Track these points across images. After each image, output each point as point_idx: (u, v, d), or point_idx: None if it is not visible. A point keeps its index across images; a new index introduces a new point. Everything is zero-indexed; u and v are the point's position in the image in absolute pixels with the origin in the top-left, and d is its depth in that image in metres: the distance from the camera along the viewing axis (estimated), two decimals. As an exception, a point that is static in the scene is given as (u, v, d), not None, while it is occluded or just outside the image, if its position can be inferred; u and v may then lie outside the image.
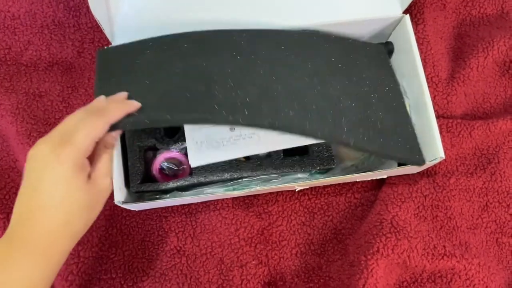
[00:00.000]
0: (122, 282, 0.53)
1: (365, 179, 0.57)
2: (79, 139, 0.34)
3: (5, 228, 0.53)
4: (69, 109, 0.58)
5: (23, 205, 0.34)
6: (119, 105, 0.39)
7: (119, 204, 0.48)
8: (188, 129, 0.50)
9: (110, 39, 0.53)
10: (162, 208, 0.56)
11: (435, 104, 0.58)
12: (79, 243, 0.53)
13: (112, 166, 0.39)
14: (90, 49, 0.61)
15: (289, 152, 0.53)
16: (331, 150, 0.52)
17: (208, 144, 0.50)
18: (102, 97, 0.40)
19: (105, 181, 0.37)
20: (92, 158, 0.37)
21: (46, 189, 0.33)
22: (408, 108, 0.54)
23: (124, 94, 0.41)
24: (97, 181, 0.36)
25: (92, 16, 0.60)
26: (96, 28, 0.61)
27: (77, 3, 0.61)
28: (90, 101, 0.58)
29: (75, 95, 0.59)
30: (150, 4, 0.54)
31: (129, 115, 0.39)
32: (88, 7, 0.60)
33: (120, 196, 0.48)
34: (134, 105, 0.39)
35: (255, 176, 0.52)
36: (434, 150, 0.51)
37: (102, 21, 0.50)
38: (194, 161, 0.49)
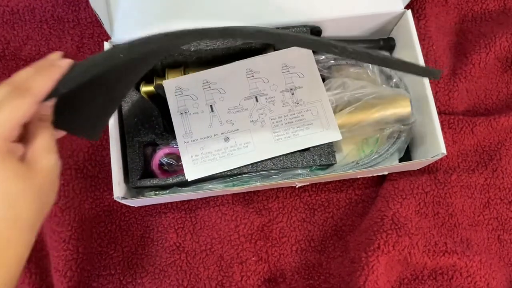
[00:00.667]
0: (121, 279, 0.53)
1: (366, 176, 0.56)
2: (3, 116, 0.29)
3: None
4: (68, 104, 0.58)
5: None
6: (47, 72, 0.32)
7: (118, 200, 0.48)
8: (182, 143, 0.50)
9: (109, 32, 0.52)
10: (161, 204, 0.56)
11: (436, 100, 0.58)
12: (77, 239, 0.53)
13: (54, 141, 0.33)
14: (89, 44, 0.60)
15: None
16: (332, 146, 0.52)
17: (203, 156, 0.50)
18: (29, 68, 0.33)
19: (46, 159, 0.31)
20: (27, 137, 0.32)
21: None
22: (410, 104, 0.54)
23: (56, 54, 0.34)
24: (36, 161, 0.31)
25: (92, 11, 0.60)
26: (95, 23, 0.60)
27: (77, -3, 0.61)
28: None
29: (74, 90, 0.58)
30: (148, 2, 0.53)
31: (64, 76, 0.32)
32: (87, 2, 0.60)
33: (119, 191, 0.48)
34: (64, 63, 0.33)
35: (255, 172, 0.52)
36: (436, 146, 0.51)
37: (102, 16, 0.50)
38: (191, 175, 0.50)
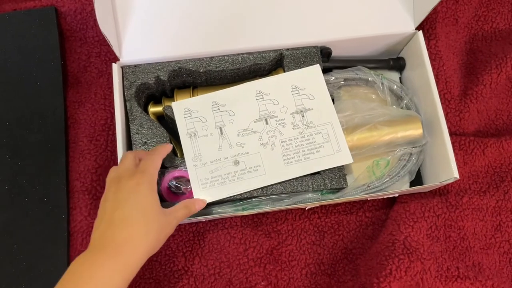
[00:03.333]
0: (129, 303, 0.52)
1: (376, 198, 0.56)
2: (151, 169, 0.43)
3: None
4: (76, 125, 0.57)
5: (105, 218, 0.39)
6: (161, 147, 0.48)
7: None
8: (191, 166, 0.50)
9: (117, 54, 0.52)
10: (169, 226, 0.55)
11: (447, 121, 0.57)
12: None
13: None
14: (96, 63, 0.60)
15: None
16: (343, 169, 0.51)
17: (213, 180, 0.49)
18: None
19: (182, 211, 0.44)
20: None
21: (128, 204, 0.39)
22: (421, 126, 0.53)
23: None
24: (171, 213, 0.43)
25: (99, 29, 0.59)
26: (103, 41, 0.60)
27: (84, 16, 0.60)
28: (97, 117, 0.57)
29: (81, 111, 0.58)
30: (157, 20, 0.53)
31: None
32: (95, 20, 0.59)
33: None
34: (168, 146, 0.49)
35: (265, 196, 0.51)
36: (448, 170, 0.50)
37: (110, 36, 0.49)
38: None
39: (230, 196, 0.50)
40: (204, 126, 0.51)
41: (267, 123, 0.52)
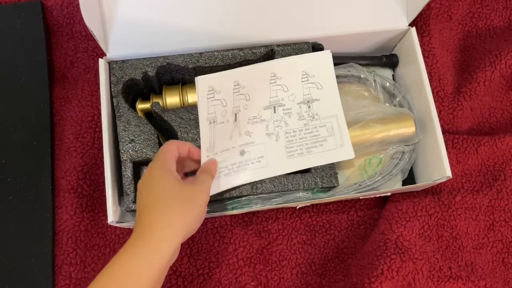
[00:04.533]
0: (116, 304, 0.51)
1: (368, 197, 0.55)
2: (161, 154, 0.42)
3: None
4: (62, 122, 0.56)
5: (142, 202, 0.39)
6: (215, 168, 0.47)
7: (113, 225, 0.46)
8: (205, 157, 0.47)
9: (104, 49, 0.51)
10: (157, 226, 0.54)
11: (440, 119, 0.56)
12: (70, 264, 0.51)
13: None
14: (83, 59, 0.58)
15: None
16: (334, 167, 0.50)
17: (219, 172, 0.47)
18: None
19: (200, 183, 0.43)
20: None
21: (144, 192, 0.40)
22: (414, 124, 0.53)
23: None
24: (194, 182, 0.42)
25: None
26: (90, 37, 0.58)
27: (71, 10, 0.59)
28: (83, 114, 0.56)
29: (68, 107, 0.57)
30: (144, 14, 0.52)
31: None
32: (82, 15, 0.58)
33: (113, 216, 0.46)
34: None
35: (255, 195, 0.50)
36: (441, 169, 0.49)
37: (95, 30, 0.48)
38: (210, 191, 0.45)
39: (230, 188, 0.48)
40: (223, 112, 0.49)
41: (274, 112, 0.50)
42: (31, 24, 0.57)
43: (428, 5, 0.56)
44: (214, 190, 0.46)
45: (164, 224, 0.37)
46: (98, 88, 0.56)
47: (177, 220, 0.38)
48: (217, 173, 0.46)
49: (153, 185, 0.40)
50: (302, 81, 0.51)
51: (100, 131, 0.55)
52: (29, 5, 0.58)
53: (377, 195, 0.54)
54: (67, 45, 0.59)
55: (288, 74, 0.51)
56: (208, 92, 0.49)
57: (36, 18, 0.58)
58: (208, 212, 0.49)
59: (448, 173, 0.49)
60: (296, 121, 0.50)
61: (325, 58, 0.52)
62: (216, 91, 0.49)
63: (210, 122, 0.48)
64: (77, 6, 0.58)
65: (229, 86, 0.49)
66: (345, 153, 0.49)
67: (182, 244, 0.52)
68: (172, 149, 0.43)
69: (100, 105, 0.55)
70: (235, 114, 0.49)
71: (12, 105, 0.55)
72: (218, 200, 0.50)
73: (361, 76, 0.55)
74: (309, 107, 0.50)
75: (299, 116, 0.50)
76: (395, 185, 0.55)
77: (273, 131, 0.49)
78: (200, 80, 0.49)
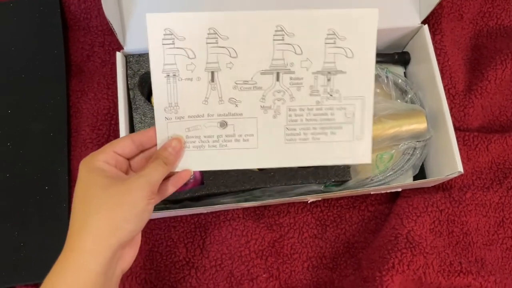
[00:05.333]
0: (129, 294, 0.52)
1: (379, 192, 0.55)
2: (95, 154, 0.36)
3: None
4: (78, 114, 0.57)
5: (72, 207, 0.35)
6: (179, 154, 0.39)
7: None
8: (162, 119, 0.38)
9: (121, 42, 0.51)
10: (170, 218, 0.55)
11: (451, 116, 0.56)
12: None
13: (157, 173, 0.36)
14: (100, 53, 0.59)
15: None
16: (347, 161, 0.51)
17: (187, 141, 0.38)
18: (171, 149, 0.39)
19: (139, 176, 0.35)
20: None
21: (80, 191, 0.35)
22: (425, 120, 0.53)
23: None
24: (131, 176, 0.36)
25: (103, 19, 0.59)
26: (106, 31, 0.59)
27: (88, 5, 0.60)
28: (99, 107, 0.57)
29: (84, 100, 0.58)
30: (162, 8, 0.53)
31: None
32: (99, 10, 0.59)
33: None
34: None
35: (268, 188, 0.50)
36: (453, 164, 0.50)
37: (115, 26, 0.49)
38: None
39: (208, 171, 0.42)
40: (190, 65, 0.38)
41: (277, 79, 0.38)
42: (49, 18, 0.59)
43: (440, 4, 0.57)
44: (181, 167, 0.39)
45: (86, 233, 0.33)
46: (114, 82, 0.57)
47: (102, 226, 0.33)
48: (180, 153, 0.38)
49: (78, 187, 0.35)
50: (325, 43, 0.38)
51: (116, 123, 0.56)
52: (48, 0, 0.59)
53: (388, 191, 0.55)
54: (84, 39, 0.60)
55: (304, 31, 0.38)
56: (164, 36, 0.37)
57: (54, 13, 0.59)
58: (221, 203, 0.50)
59: (460, 168, 0.49)
60: (307, 96, 0.39)
61: (367, 17, 0.38)
62: (177, 36, 0.37)
63: (168, 75, 0.38)
64: (94, 1, 0.60)
65: (199, 33, 0.37)
66: (361, 151, 0.40)
67: (195, 236, 0.54)
68: (112, 142, 0.37)
69: (115, 98, 0.57)
70: (212, 72, 0.38)
71: (30, 97, 0.56)
72: (231, 193, 0.51)
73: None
74: (328, 80, 0.39)
75: (311, 90, 0.39)
76: (406, 181, 0.55)
77: (271, 105, 0.39)
78: (151, 18, 0.37)
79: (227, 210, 0.55)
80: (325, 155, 0.40)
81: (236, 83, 0.38)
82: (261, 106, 0.39)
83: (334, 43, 0.38)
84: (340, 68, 0.39)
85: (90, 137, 0.56)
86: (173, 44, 0.37)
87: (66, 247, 0.33)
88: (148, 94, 0.54)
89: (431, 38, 0.55)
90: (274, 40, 0.38)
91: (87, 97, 0.58)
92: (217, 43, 0.37)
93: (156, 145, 0.38)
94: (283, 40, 0.38)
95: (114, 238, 0.33)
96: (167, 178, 0.38)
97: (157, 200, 0.38)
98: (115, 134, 0.56)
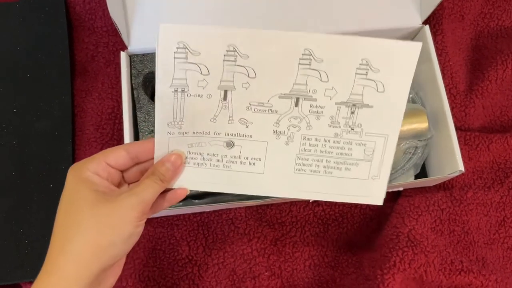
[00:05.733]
0: (132, 291, 0.52)
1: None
2: (86, 162, 0.34)
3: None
4: (83, 113, 0.58)
5: (56, 219, 0.33)
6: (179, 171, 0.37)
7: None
8: (163, 134, 0.36)
9: (126, 42, 0.52)
10: (173, 216, 0.55)
11: (452, 116, 0.57)
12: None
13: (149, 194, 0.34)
14: (104, 53, 0.60)
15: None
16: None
17: (188, 157, 0.36)
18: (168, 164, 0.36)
19: (131, 195, 0.33)
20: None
21: (65, 203, 0.33)
22: (426, 119, 0.53)
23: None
24: (122, 194, 0.33)
25: (108, 20, 0.60)
26: (111, 32, 0.60)
27: (93, 6, 0.60)
28: (103, 106, 0.58)
29: (88, 99, 0.58)
30: (166, 8, 0.53)
31: None
32: (103, 10, 0.60)
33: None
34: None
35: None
36: (454, 163, 0.50)
37: (120, 26, 0.50)
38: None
39: (195, 195, 0.41)
40: (202, 81, 0.35)
41: (296, 105, 0.36)
42: (55, 18, 0.59)
43: (441, 5, 0.58)
44: (179, 184, 0.37)
45: (66, 255, 0.30)
46: (118, 82, 0.58)
47: (85, 250, 0.30)
48: (179, 169, 0.36)
49: (63, 198, 0.32)
50: (356, 74, 0.35)
51: (119, 122, 0.57)
52: (53, 0, 0.60)
53: (390, 190, 0.55)
54: (88, 40, 0.60)
55: (335, 57, 0.35)
56: (177, 49, 0.34)
57: (59, 13, 0.59)
58: (224, 201, 0.51)
59: (461, 167, 0.49)
60: (325, 127, 0.37)
61: (409, 51, 0.35)
62: (191, 50, 0.34)
63: (176, 90, 0.35)
64: (99, 2, 0.61)
65: (218, 48, 0.34)
66: (375, 192, 0.38)
67: (197, 234, 0.54)
68: (105, 152, 0.34)
69: (119, 97, 0.57)
70: (225, 91, 0.35)
71: (35, 96, 0.57)
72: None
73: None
74: (352, 112, 0.36)
75: (331, 121, 0.36)
76: (408, 180, 0.56)
77: (285, 130, 0.37)
78: (165, 29, 0.33)
79: (230, 209, 0.55)
80: (335, 191, 0.38)
81: (250, 104, 0.36)
82: (274, 131, 0.37)
83: (366, 74, 0.35)
84: (367, 102, 0.36)
85: (94, 136, 0.56)
86: (186, 58, 0.34)
87: (45, 268, 0.31)
88: (151, 93, 0.55)
89: (432, 38, 0.55)
90: (299, 64, 0.35)
91: (92, 97, 0.58)
92: (235, 61, 0.35)
93: (153, 158, 0.36)
94: (309, 65, 0.35)
95: (97, 264, 0.31)
96: (162, 192, 0.36)
97: (149, 215, 0.36)
98: (119, 133, 0.56)
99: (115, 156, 0.34)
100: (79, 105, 0.58)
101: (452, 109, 0.59)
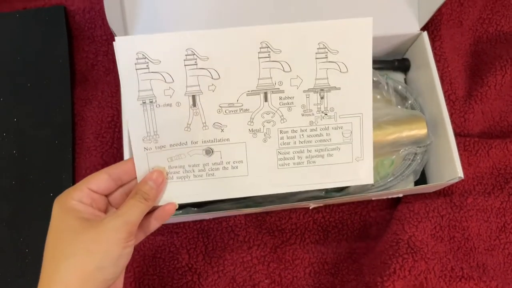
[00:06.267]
0: (132, 299, 0.52)
1: (380, 198, 0.56)
2: (70, 190, 0.35)
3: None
4: (83, 122, 0.58)
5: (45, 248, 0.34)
6: (161, 188, 0.37)
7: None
8: (140, 150, 0.35)
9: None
10: (173, 224, 0.55)
11: (452, 122, 0.57)
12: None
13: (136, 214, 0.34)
14: (104, 62, 0.60)
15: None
16: (347, 167, 0.51)
17: (170, 172, 0.36)
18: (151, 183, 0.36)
19: (115, 217, 0.33)
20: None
21: (52, 232, 0.34)
22: (426, 125, 0.53)
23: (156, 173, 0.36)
24: (106, 217, 0.33)
25: (107, 29, 0.60)
26: (110, 40, 0.60)
27: (93, 15, 0.61)
28: (103, 115, 0.58)
29: (88, 108, 0.58)
30: (166, 18, 0.53)
31: None
32: (103, 19, 0.60)
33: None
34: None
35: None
36: (453, 170, 0.50)
37: (118, 33, 0.50)
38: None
39: (194, 203, 0.41)
40: (168, 90, 0.35)
41: (266, 100, 0.36)
42: (55, 28, 0.60)
43: (439, 11, 0.58)
44: (165, 200, 0.36)
45: (55, 285, 0.30)
46: (118, 90, 0.58)
47: (72, 278, 0.30)
48: (162, 186, 0.36)
49: (50, 229, 0.33)
50: (317, 58, 0.36)
51: (119, 131, 0.57)
52: (53, 10, 0.60)
53: (390, 196, 0.55)
54: (88, 49, 0.61)
55: (293, 46, 0.35)
56: (137, 60, 0.34)
57: (59, 23, 0.60)
58: (223, 209, 0.51)
59: (460, 174, 0.49)
60: (299, 117, 0.37)
61: (361, 27, 0.36)
62: (151, 59, 0.34)
63: (144, 102, 0.35)
64: (99, 11, 0.61)
65: (177, 54, 0.34)
66: (363, 172, 0.38)
67: (197, 242, 0.54)
68: (87, 178, 0.34)
69: (119, 106, 0.57)
70: (193, 96, 0.35)
71: (35, 105, 0.57)
72: (233, 200, 0.51)
73: (374, 79, 0.56)
74: (322, 97, 0.36)
75: (304, 110, 0.37)
76: (407, 186, 0.56)
77: (260, 127, 0.36)
78: (120, 42, 0.33)
79: (229, 217, 0.55)
80: (323, 179, 0.38)
81: (221, 107, 0.36)
82: (249, 130, 0.36)
83: (326, 57, 0.36)
84: (333, 84, 0.36)
85: (94, 144, 0.57)
86: (148, 68, 0.34)
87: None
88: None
89: (431, 44, 0.55)
90: (259, 58, 0.35)
91: (91, 105, 0.58)
92: (196, 64, 0.35)
93: (136, 178, 0.36)
94: (269, 57, 0.35)
95: (95, 275, 0.31)
96: (150, 212, 0.36)
97: (139, 238, 0.36)
98: (119, 142, 0.57)
99: (97, 181, 0.34)
100: (79, 113, 0.58)
101: (451, 115, 0.59)
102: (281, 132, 0.37)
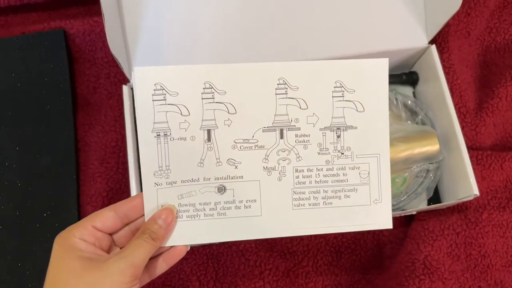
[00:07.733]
0: (143, 330, 0.51)
1: (393, 216, 0.54)
2: (72, 229, 0.33)
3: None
4: (86, 147, 0.57)
5: None
6: (171, 228, 0.35)
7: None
8: (150, 185, 0.34)
9: (127, 75, 0.51)
10: (182, 249, 0.54)
11: (463, 135, 0.56)
12: None
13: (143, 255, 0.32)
14: (106, 85, 0.59)
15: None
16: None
17: (180, 211, 0.34)
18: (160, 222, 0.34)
19: (119, 258, 0.31)
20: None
21: (51, 272, 0.33)
22: (437, 141, 0.52)
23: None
24: (110, 258, 0.31)
25: (108, 51, 0.59)
26: (112, 63, 0.59)
27: (93, 38, 0.60)
28: (107, 139, 0.57)
29: (91, 133, 0.57)
30: (168, 41, 0.52)
31: None
32: (104, 42, 0.59)
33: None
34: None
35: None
36: (467, 186, 0.49)
37: (119, 57, 0.49)
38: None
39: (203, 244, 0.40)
40: (183, 123, 0.34)
41: (281, 137, 0.36)
42: (55, 52, 0.59)
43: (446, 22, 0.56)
44: (172, 240, 0.35)
45: None
46: (121, 114, 0.57)
47: None
48: (171, 226, 0.34)
49: (49, 269, 0.32)
50: (333, 97, 0.36)
51: (124, 155, 0.56)
52: (52, 33, 0.59)
53: (403, 214, 0.54)
54: (89, 72, 0.60)
55: (309, 84, 0.35)
56: (154, 91, 0.34)
57: (59, 46, 0.59)
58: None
59: (476, 191, 0.48)
60: (315, 155, 0.36)
61: (377, 68, 0.36)
62: (169, 91, 0.34)
63: (158, 135, 0.34)
64: (99, 34, 0.60)
65: (194, 87, 0.34)
66: (381, 216, 0.37)
67: (207, 267, 0.53)
68: (92, 215, 0.33)
69: (123, 130, 0.56)
70: (207, 130, 0.35)
71: (37, 132, 0.56)
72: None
73: (382, 95, 0.55)
74: (338, 136, 0.36)
75: (320, 149, 0.36)
76: (421, 204, 0.54)
77: (275, 165, 0.36)
78: (140, 72, 0.33)
79: (239, 241, 0.54)
80: (340, 223, 0.36)
81: (236, 142, 0.35)
82: (264, 168, 0.36)
83: (343, 96, 0.36)
84: (350, 124, 0.36)
85: (98, 170, 0.55)
86: (165, 100, 0.34)
87: None
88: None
89: (439, 57, 0.54)
90: (276, 94, 0.35)
91: (95, 130, 0.57)
92: (213, 98, 0.34)
93: (143, 215, 0.34)
94: (286, 94, 0.35)
95: None
96: (158, 253, 0.35)
97: (144, 281, 0.34)
98: (124, 167, 0.55)
99: (102, 219, 0.33)
100: (82, 139, 0.57)
101: (462, 128, 0.57)
102: (296, 170, 0.36)
